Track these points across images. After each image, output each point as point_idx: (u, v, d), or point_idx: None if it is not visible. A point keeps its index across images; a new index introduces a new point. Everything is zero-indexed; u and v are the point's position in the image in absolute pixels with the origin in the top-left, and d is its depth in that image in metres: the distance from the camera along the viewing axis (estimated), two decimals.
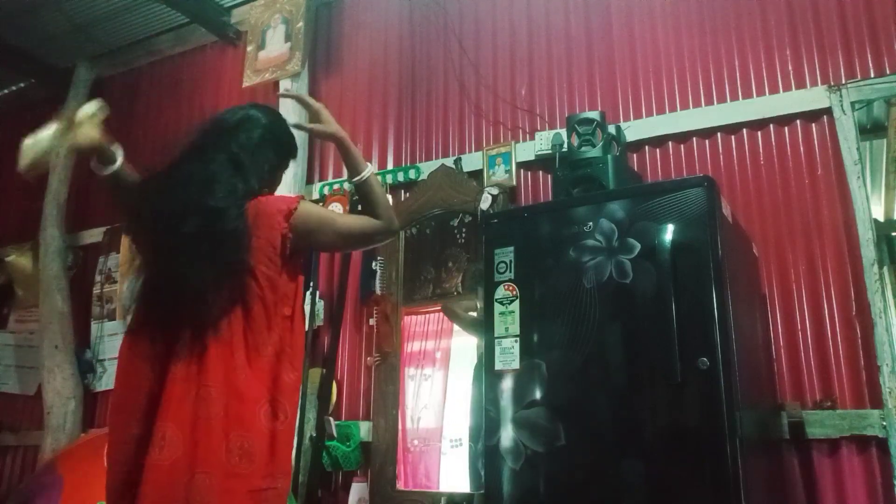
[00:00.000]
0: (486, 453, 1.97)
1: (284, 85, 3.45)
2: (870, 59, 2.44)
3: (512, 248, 2.07)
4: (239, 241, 1.43)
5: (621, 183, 2.33)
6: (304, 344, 1.56)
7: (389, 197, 3.18)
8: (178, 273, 1.41)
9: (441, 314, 2.98)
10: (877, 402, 2.16)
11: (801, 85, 2.52)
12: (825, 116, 2.45)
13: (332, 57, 3.63)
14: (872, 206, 2.36)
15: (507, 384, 1.97)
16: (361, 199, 1.61)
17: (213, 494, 1.29)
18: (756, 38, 2.64)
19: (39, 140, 1.44)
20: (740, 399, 1.69)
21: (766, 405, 2.18)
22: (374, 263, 3.10)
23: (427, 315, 3.08)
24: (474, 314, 2.67)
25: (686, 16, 2.79)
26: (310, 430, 2.93)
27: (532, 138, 2.97)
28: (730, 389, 1.66)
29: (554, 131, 2.86)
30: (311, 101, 1.65)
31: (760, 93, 2.58)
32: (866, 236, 2.28)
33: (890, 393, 2.13)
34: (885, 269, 2.39)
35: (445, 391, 2.98)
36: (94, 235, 4.11)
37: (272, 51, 3.57)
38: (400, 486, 2.84)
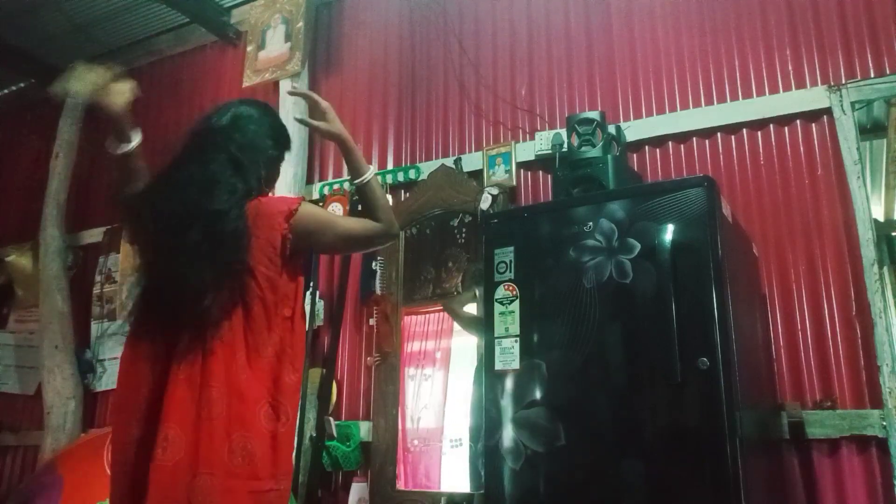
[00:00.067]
0: (486, 453, 1.97)
1: (284, 85, 3.45)
2: (870, 59, 2.44)
3: (512, 248, 2.07)
4: (238, 242, 1.43)
5: (621, 183, 2.33)
6: (305, 345, 1.56)
7: (389, 197, 3.18)
8: (178, 274, 1.41)
9: (441, 314, 2.99)
10: (877, 402, 2.16)
11: (801, 85, 2.52)
12: (825, 116, 2.45)
13: (332, 57, 3.64)
14: (872, 206, 2.36)
15: (507, 384, 1.97)
16: (362, 201, 1.61)
17: (216, 495, 1.29)
18: (756, 38, 2.64)
19: (91, 73, 1.52)
20: (740, 399, 1.69)
21: (766, 405, 2.18)
22: (374, 263, 3.10)
23: (427, 315, 3.08)
24: (473, 311, 2.67)
25: (686, 16, 2.79)
26: (310, 430, 2.93)
27: (532, 138, 2.97)
28: (730, 389, 1.66)
29: (554, 131, 2.86)
30: (321, 100, 1.65)
31: (760, 93, 2.58)
32: (866, 236, 2.28)
33: (890, 393, 2.13)
34: (885, 269, 2.38)
35: (445, 391, 2.98)
36: (94, 235, 4.11)
37: (272, 51, 3.57)
38: (400, 486, 2.84)
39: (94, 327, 3.90)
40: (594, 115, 2.53)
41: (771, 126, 2.54)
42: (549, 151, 2.82)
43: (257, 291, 1.43)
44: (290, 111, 3.32)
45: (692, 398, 1.71)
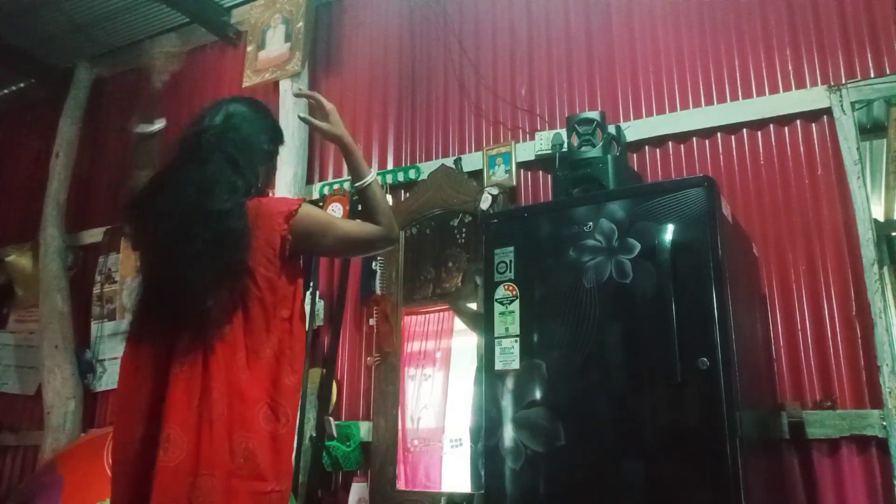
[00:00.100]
0: (486, 453, 1.97)
1: (284, 85, 3.45)
2: (870, 59, 2.44)
3: (512, 248, 2.07)
4: (239, 241, 1.43)
5: (621, 183, 2.33)
6: (305, 346, 1.56)
7: (389, 197, 3.18)
8: (180, 274, 1.40)
9: (441, 314, 2.99)
10: (877, 402, 2.16)
11: (801, 85, 2.52)
12: (825, 116, 2.45)
13: (332, 57, 3.64)
14: (872, 206, 2.36)
15: (507, 384, 1.97)
16: (363, 204, 1.61)
17: (217, 496, 1.30)
18: (756, 38, 2.64)
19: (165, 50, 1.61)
20: (740, 399, 1.69)
21: (766, 405, 2.18)
22: (374, 263, 3.10)
23: (427, 315, 3.08)
24: (474, 307, 2.66)
25: (686, 16, 2.79)
26: (310, 430, 2.93)
27: (532, 138, 2.97)
28: (730, 389, 1.66)
29: (554, 131, 2.86)
30: (325, 101, 1.65)
31: (760, 93, 2.58)
32: (866, 236, 2.28)
33: (890, 393, 2.13)
34: (885, 269, 2.38)
35: (446, 391, 2.97)
36: (94, 235, 4.11)
37: (272, 51, 3.57)
38: (400, 486, 2.84)
39: (94, 327, 3.89)
40: (594, 115, 2.53)
41: (771, 126, 2.54)
42: (549, 151, 2.82)
43: (256, 292, 1.43)
44: (290, 111, 3.33)
45: (692, 398, 1.71)
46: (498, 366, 1.99)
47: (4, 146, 4.79)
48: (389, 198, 3.18)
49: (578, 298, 1.90)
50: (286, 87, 3.44)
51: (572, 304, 1.91)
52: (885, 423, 2.12)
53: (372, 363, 3.02)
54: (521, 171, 2.97)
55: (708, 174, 2.24)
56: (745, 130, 2.58)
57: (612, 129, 2.51)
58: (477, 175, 3.03)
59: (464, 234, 3.02)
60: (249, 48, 3.67)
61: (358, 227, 1.60)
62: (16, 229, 4.43)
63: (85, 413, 3.71)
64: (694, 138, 2.66)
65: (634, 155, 2.74)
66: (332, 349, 3.05)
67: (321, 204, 3.27)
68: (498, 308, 2.04)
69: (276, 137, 1.67)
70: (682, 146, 2.68)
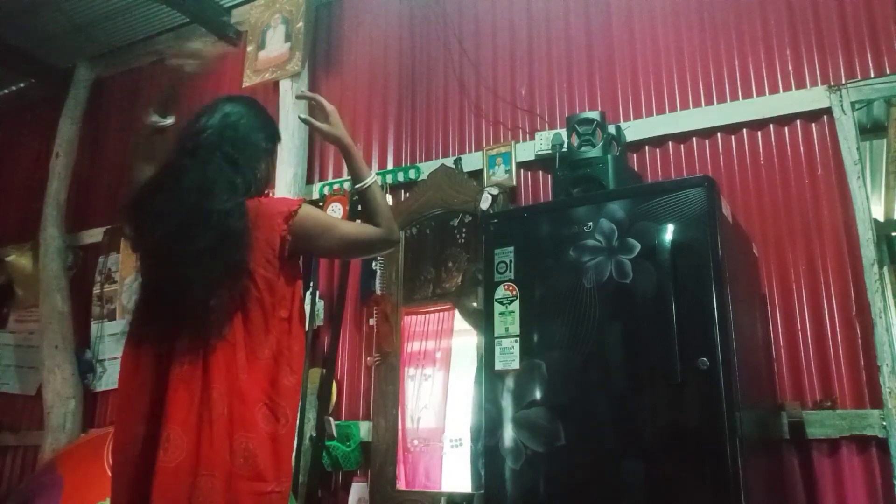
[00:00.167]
0: (486, 453, 1.97)
1: (284, 85, 3.45)
2: (870, 59, 2.44)
3: (512, 248, 2.07)
4: (238, 241, 1.43)
5: (621, 183, 2.33)
6: (304, 347, 1.56)
7: (389, 198, 3.18)
8: (182, 275, 1.40)
9: (441, 314, 2.98)
10: (877, 402, 2.16)
11: (801, 85, 2.52)
12: (825, 116, 2.45)
13: (332, 57, 3.64)
14: (872, 206, 2.36)
15: (507, 384, 1.97)
16: (363, 206, 1.61)
17: (217, 496, 1.30)
18: (756, 38, 2.64)
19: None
20: (740, 399, 1.69)
21: (766, 405, 2.18)
22: (374, 263, 3.10)
23: (427, 315, 3.08)
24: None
25: (686, 16, 2.79)
26: (310, 430, 2.93)
27: (532, 138, 2.97)
28: (730, 389, 1.66)
29: (554, 131, 2.86)
30: (326, 103, 1.66)
31: (760, 93, 2.58)
32: (866, 236, 2.28)
33: (890, 393, 2.13)
34: (885, 269, 2.38)
35: (446, 391, 2.97)
36: (94, 235, 4.10)
37: (272, 51, 3.57)
38: (400, 486, 2.84)
39: (94, 327, 3.89)
40: (594, 115, 2.53)
41: (771, 126, 2.54)
42: (549, 151, 2.82)
43: (255, 293, 1.43)
44: (290, 111, 3.33)
45: (692, 398, 1.71)
46: (498, 366, 1.99)
47: (4, 146, 4.79)
48: (389, 198, 3.18)
49: (578, 298, 1.90)
50: (286, 87, 3.44)
51: (572, 304, 1.91)
52: (885, 423, 2.12)
53: (372, 363, 3.03)
54: (521, 171, 2.97)
55: (708, 174, 2.24)
56: (745, 130, 2.58)
57: (612, 129, 2.51)
58: (477, 175, 3.03)
59: (464, 234, 3.02)
60: (249, 48, 3.67)
61: (358, 228, 1.60)
62: (16, 229, 4.43)
63: (85, 413, 3.71)
64: (694, 138, 2.66)
65: (634, 155, 2.74)
66: (332, 349, 3.05)
67: (321, 204, 3.27)
68: (498, 308, 2.04)
69: (274, 135, 1.67)
70: (682, 146, 2.68)
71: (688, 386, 1.70)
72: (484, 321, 2.08)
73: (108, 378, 3.72)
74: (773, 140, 2.53)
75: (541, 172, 2.93)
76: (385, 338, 3.00)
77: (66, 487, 2.87)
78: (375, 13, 3.57)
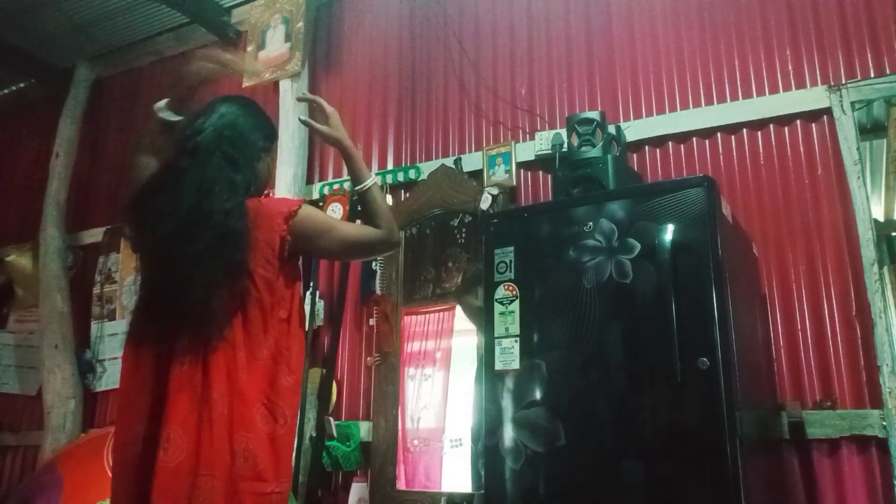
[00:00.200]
0: (486, 453, 1.97)
1: (284, 85, 3.45)
2: (870, 59, 2.44)
3: (512, 248, 2.07)
4: (238, 241, 1.43)
5: (621, 183, 2.33)
6: (304, 347, 1.55)
7: (389, 198, 3.18)
8: (180, 275, 1.40)
9: (441, 314, 2.98)
10: (877, 402, 2.16)
11: (801, 85, 2.52)
12: (825, 116, 2.45)
13: (332, 57, 3.64)
14: (872, 206, 2.36)
15: (507, 384, 1.97)
16: (363, 208, 1.61)
17: (217, 496, 1.30)
18: (756, 38, 2.64)
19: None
20: (740, 399, 1.69)
21: (766, 405, 2.18)
22: (374, 263, 3.11)
23: (427, 315, 3.08)
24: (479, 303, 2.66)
25: (686, 16, 2.79)
26: (310, 430, 2.93)
27: (532, 138, 2.97)
28: (730, 389, 1.66)
29: (554, 131, 2.86)
30: (327, 105, 1.66)
31: (760, 93, 2.58)
32: (866, 236, 2.28)
33: (890, 393, 2.13)
34: (885, 269, 2.38)
35: (446, 391, 2.97)
36: (94, 235, 4.11)
37: (272, 51, 3.57)
38: (400, 486, 2.84)
39: (94, 327, 3.89)
40: (594, 115, 2.53)
41: (771, 126, 2.54)
42: (549, 151, 2.82)
43: (254, 293, 1.43)
44: (290, 111, 3.34)
45: (692, 398, 1.71)
46: (498, 366, 1.99)
47: (4, 146, 4.79)
48: (389, 198, 3.18)
49: (578, 298, 1.90)
50: (286, 87, 3.44)
51: (572, 304, 1.91)
52: (885, 423, 2.12)
53: (372, 363, 3.03)
54: (521, 171, 2.97)
55: (708, 174, 2.24)
56: (745, 130, 2.58)
57: (612, 129, 2.51)
58: (477, 175, 3.03)
59: (464, 234, 3.02)
60: (249, 48, 3.67)
61: (358, 229, 1.60)
62: (16, 229, 4.43)
63: (85, 413, 3.72)
64: (694, 138, 2.66)
65: (634, 155, 2.74)
66: (332, 349, 3.05)
67: (321, 204, 3.27)
68: (498, 308, 2.04)
69: (271, 134, 1.67)
70: (682, 146, 2.68)
71: (688, 386, 1.70)
72: (484, 321, 2.08)
73: (108, 378, 3.73)
74: (773, 140, 2.53)
75: (541, 172, 2.93)
76: (385, 338, 3.00)
77: (66, 487, 2.87)
78: (375, 13, 3.57)
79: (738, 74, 2.64)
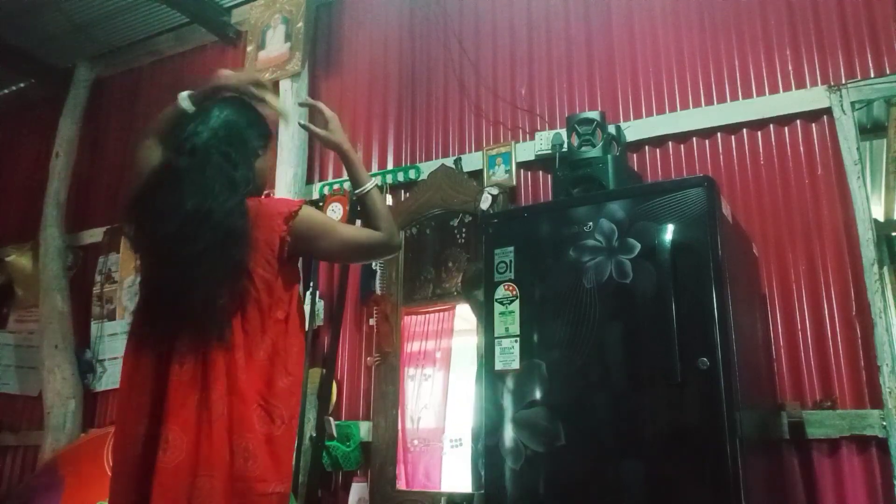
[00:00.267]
0: (486, 453, 1.97)
1: (284, 85, 3.46)
2: (870, 59, 2.44)
3: (512, 248, 2.07)
4: (238, 241, 1.42)
5: (621, 183, 2.33)
6: (304, 347, 1.55)
7: (389, 198, 3.18)
8: (181, 275, 1.40)
9: (441, 314, 2.99)
10: (877, 402, 2.16)
11: (801, 85, 2.52)
12: (825, 116, 2.46)
13: (332, 57, 3.64)
14: (872, 206, 2.36)
15: (507, 384, 1.97)
16: (363, 211, 1.61)
17: (217, 496, 1.29)
18: (756, 38, 2.64)
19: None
20: (740, 399, 1.69)
21: (766, 405, 2.18)
22: (374, 263, 3.10)
23: (427, 315, 3.08)
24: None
25: (686, 16, 2.79)
26: (310, 430, 2.94)
27: (532, 138, 2.97)
28: (730, 389, 1.66)
29: (554, 131, 2.86)
30: (327, 109, 1.66)
31: (760, 93, 2.58)
32: (866, 236, 2.28)
33: (890, 393, 2.13)
34: (885, 269, 2.38)
35: (446, 391, 2.98)
36: (94, 235, 4.11)
37: (272, 51, 3.57)
38: (400, 486, 2.84)
39: (94, 327, 3.89)
40: (594, 115, 2.53)
41: (771, 126, 2.54)
42: (549, 151, 2.82)
43: (253, 293, 1.43)
44: (290, 111, 3.33)
45: (692, 398, 1.71)
46: (498, 366, 1.99)
47: (4, 146, 4.79)
48: (389, 198, 3.18)
49: (578, 298, 1.90)
50: (286, 87, 3.44)
51: (572, 304, 1.91)
52: (885, 423, 2.12)
53: (372, 363, 3.03)
54: (521, 171, 2.97)
55: (708, 174, 2.24)
56: (745, 130, 2.58)
57: (612, 129, 2.51)
58: (477, 175, 3.03)
59: (464, 234, 3.03)
60: (249, 48, 3.66)
61: (359, 232, 1.60)
62: (16, 229, 4.43)
63: (85, 413, 3.71)
64: (694, 138, 2.66)
65: (634, 155, 2.74)
66: (332, 349, 3.05)
67: (321, 204, 3.27)
68: (498, 308, 2.04)
69: (267, 133, 1.66)
70: (682, 146, 2.68)
71: (688, 386, 1.70)
72: (484, 321, 2.08)
73: (108, 378, 3.73)
74: (773, 140, 2.53)
75: (541, 172, 2.93)
76: (385, 338, 3.00)
77: (66, 487, 2.88)
78: (375, 13, 3.57)
79: (738, 74, 2.64)
